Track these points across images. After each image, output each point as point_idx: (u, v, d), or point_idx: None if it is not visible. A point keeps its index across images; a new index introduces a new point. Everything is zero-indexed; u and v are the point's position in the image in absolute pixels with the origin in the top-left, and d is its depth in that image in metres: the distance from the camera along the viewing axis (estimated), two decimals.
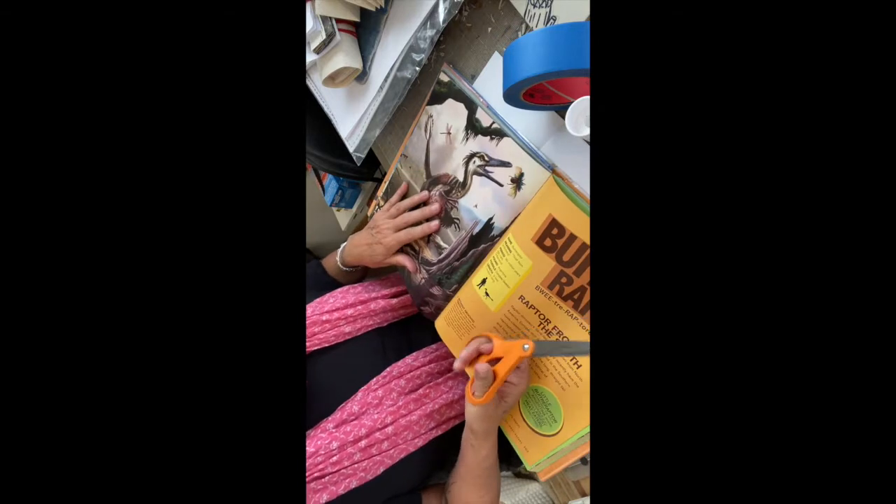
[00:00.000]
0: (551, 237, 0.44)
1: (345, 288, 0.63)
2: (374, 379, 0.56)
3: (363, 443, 0.51)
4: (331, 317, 0.58)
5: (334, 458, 0.49)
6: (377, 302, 0.62)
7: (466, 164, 0.53)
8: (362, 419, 0.52)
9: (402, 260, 0.59)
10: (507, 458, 0.59)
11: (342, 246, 0.66)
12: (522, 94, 0.39)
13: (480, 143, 0.50)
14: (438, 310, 0.58)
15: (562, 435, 0.46)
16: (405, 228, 0.57)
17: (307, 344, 0.56)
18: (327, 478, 0.49)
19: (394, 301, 0.63)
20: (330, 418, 0.53)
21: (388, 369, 0.57)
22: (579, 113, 0.37)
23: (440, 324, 0.56)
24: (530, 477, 0.76)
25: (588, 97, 0.36)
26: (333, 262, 0.68)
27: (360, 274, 0.72)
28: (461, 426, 0.55)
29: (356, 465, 0.50)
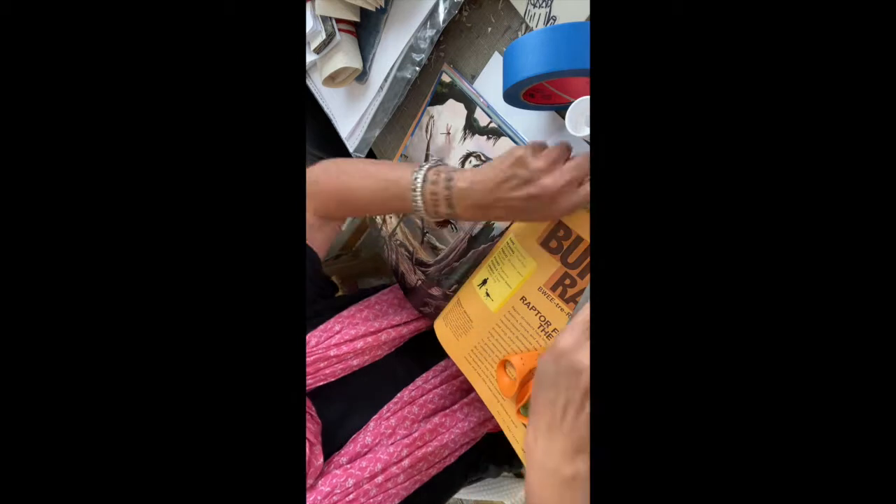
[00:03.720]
0: (557, 239, 0.44)
1: (351, 311, 0.59)
2: (386, 406, 0.54)
3: (379, 479, 0.50)
4: (339, 350, 0.55)
5: (350, 497, 0.48)
6: (388, 332, 0.59)
7: (463, 163, 0.53)
8: (377, 452, 0.51)
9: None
10: (509, 458, 0.59)
11: (423, 173, 0.42)
12: (522, 94, 0.39)
13: (478, 143, 0.50)
14: (438, 309, 0.57)
15: None
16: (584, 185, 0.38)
17: (313, 380, 0.54)
18: None
19: (403, 329, 0.61)
20: (342, 451, 0.51)
21: (398, 395, 0.55)
22: (579, 113, 0.37)
23: (438, 324, 0.56)
24: None
25: (588, 97, 0.36)
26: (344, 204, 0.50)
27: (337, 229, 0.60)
28: (474, 451, 0.56)
29: (371, 501, 0.49)
